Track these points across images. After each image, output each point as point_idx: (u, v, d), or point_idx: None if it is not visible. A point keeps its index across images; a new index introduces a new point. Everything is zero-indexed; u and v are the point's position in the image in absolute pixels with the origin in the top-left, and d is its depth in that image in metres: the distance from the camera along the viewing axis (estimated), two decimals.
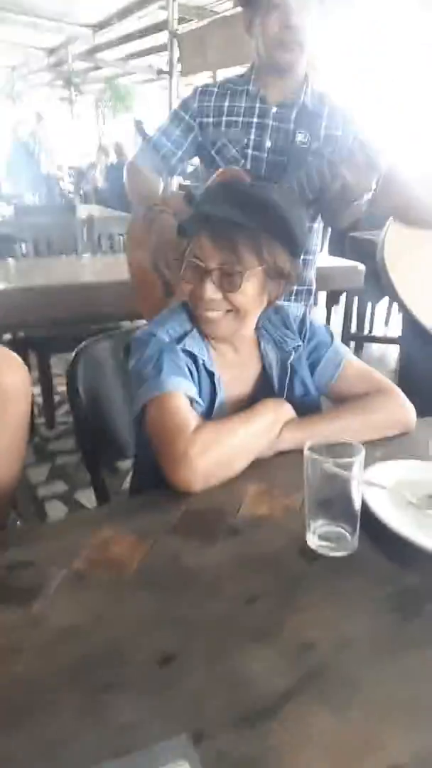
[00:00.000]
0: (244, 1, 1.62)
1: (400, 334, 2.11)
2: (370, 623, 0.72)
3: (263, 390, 1.20)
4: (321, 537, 0.85)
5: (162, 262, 1.57)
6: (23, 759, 0.55)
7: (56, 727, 0.58)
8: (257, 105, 1.68)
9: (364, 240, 3.48)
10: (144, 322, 1.70)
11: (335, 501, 0.85)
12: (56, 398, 3.10)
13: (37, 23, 7.73)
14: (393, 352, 3.94)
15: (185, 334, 1.13)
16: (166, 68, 6.88)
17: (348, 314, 3.50)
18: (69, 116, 9.85)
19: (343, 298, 3.55)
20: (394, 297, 1.76)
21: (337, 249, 4.03)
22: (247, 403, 1.14)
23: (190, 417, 1.03)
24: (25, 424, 1.05)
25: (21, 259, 3.38)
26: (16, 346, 2.72)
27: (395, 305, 4.26)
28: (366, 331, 4.29)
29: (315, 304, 2.23)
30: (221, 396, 1.16)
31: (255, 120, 1.68)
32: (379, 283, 1.83)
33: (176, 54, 6.42)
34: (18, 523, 1.22)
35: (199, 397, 1.11)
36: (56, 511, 2.36)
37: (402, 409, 1.19)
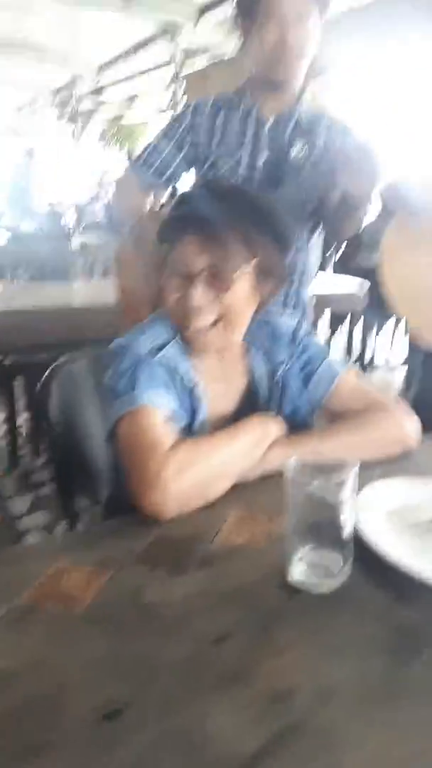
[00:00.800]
0: (243, 12, 1.58)
1: (406, 357, 2.07)
2: (358, 668, 0.61)
3: (250, 405, 1.12)
4: (305, 569, 0.75)
5: (152, 277, 1.51)
6: None
7: None
8: (251, 119, 1.64)
9: (369, 270, 3.44)
10: None
11: (323, 528, 0.74)
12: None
13: (44, 63, 7.91)
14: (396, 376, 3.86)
15: (164, 345, 1.05)
16: (169, 107, 7.00)
17: (350, 339, 3.43)
18: (73, 152, 10.03)
19: (345, 324, 3.49)
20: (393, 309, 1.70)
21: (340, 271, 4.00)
22: (230, 420, 1.06)
23: (166, 434, 0.93)
24: None
25: (9, 285, 3.35)
26: (2, 371, 2.65)
27: (399, 330, 4.21)
28: (368, 358, 4.20)
29: (314, 325, 2.17)
30: (203, 412, 1.07)
31: (249, 134, 1.63)
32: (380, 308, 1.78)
33: (180, 93, 6.52)
34: None
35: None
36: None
37: (401, 427, 1.10)
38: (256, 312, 1.09)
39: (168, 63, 6.56)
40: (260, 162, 1.62)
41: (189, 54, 6.53)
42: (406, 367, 2.21)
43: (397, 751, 0.53)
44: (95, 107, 10.03)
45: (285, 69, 1.55)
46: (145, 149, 1.73)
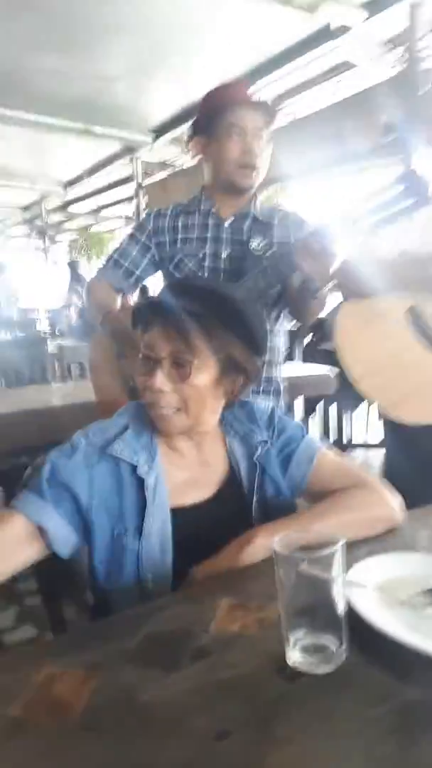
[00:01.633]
0: (200, 129, 1.73)
1: (383, 437, 2.07)
2: (368, 754, 0.59)
3: (231, 491, 1.11)
4: (302, 651, 0.72)
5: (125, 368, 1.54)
6: None
7: None
8: (210, 221, 1.75)
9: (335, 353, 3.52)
10: None
11: (316, 607, 0.73)
12: None
13: (12, 183, 8.33)
14: (375, 456, 3.86)
15: (115, 437, 1.06)
16: (134, 216, 7.38)
17: (326, 422, 3.46)
18: (44, 265, 10.39)
19: (319, 407, 3.53)
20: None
21: (309, 359, 4.10)
22: (212, 504, 1.06)
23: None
24: None
25: None
26: None
27: (373, 410, 4.26)
28: (345, 440, 4.23)
29: (288, 409, 2.19)
30: (160, 502, 1.04)
31: (209, 234, 1.74)
32: (352, 390, 1.80)
33: (143, 202, 6.92)
34: None
35: (127, 508, 1.02)
36: None
37: (385, 504, 1.10)
38: (227, 401, 1.11)
39: (130, 178, 7.00)
40: (222, 258, 1.72)
41: (148, 167, 7.01)
42: (383, 446, 2.23)
43: None
44: (64, 218, 10.49)
45: (249, 176, 1.70)
46: (114, 252, 1.83)
